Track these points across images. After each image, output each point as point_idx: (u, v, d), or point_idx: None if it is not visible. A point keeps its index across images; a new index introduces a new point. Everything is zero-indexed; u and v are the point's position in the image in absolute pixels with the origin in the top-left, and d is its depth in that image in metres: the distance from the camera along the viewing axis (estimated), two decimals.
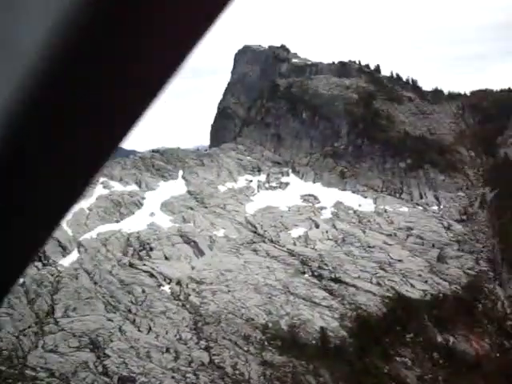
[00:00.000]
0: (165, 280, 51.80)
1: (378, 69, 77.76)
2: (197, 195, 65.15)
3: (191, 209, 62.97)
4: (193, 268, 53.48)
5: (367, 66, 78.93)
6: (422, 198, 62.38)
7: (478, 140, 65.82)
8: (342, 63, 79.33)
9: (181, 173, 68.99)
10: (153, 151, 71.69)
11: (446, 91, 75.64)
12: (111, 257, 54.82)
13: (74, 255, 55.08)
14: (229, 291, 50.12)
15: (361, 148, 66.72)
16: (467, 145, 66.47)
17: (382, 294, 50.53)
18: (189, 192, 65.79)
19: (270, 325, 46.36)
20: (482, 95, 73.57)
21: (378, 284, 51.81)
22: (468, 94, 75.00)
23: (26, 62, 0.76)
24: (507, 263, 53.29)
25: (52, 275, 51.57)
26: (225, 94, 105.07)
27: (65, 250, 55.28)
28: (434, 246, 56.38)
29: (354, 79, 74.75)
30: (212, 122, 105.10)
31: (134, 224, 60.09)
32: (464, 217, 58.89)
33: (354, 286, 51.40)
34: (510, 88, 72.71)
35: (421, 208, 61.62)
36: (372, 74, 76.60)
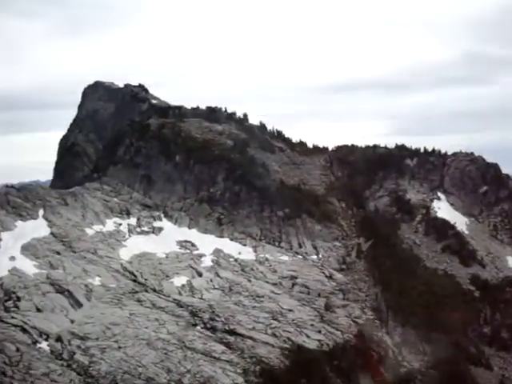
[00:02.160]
0: (41, 336, 44.35)
1: (245, 117, 78.08)
2: (63, 238, 58.00)
3: (58, 253, 55.70)
4: (72, 321, 46.65)
5: (234, 113, 78.87)
6: (301, 247, 62.43)
7: (347, 192, 68.53)
8: (210, 108, 78.20)
9: (41, 212, 61.17)
10: (7, 186, 62.81)
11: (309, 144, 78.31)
12: None
13: None
14: (119, 347, 44.38)
15: (238, 195, 65.28)
16: (338, 196, 68.77)
17: (280, 346, 48.63)
18: (53, 234, 58.35)
19: None
20: (348, 150, 77.45)
21: (274, 335, 49.86)
22: (331, 149, 78.46)
23: None
24: (392, 311, 55.23)
25: None
26: (71, 130, 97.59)
27: None
28: (319, 295, 56.25)
29: (225, 125, 73.81)
30: (56, 159, 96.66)
31: None
32: (343, 266, 60.04)
33: (250, 337, 48.79)
34: (374, 145, 77.65)
35: (301, 257, 61.56)
36: (241, 122, 76.58)
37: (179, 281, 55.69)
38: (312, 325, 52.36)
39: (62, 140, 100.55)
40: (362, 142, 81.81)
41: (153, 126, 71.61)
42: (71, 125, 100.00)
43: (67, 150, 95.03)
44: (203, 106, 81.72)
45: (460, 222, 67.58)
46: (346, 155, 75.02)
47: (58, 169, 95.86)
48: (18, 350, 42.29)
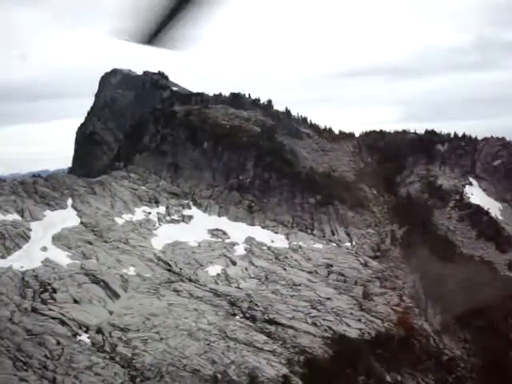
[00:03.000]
0: (80, 328, 43.50)
1: (270, 103, 76.63)
2: (93, 228, 57.07)
3: (90, 243, 54.85)
4: (111, 313, 45.80)
5: (258, 99, 77.42)
6: (334, 234, 61.33)
7: (377, 178, 67.24)
8: (234, 95, 76.81)
9: (70, 201, 60.19)
10: (34, 176, 61.73)
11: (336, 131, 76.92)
12: (7, 301, 44.89)
13: None
14: (161, 339, 43.50)
15: (268, 182, 64.12)
16: (368, 182, 67.54)
17: (321, 335, 47.69)
18: (83, 224, 57.41)
19: (219, 376, 40.91)
20: (377, 136, 76.07)
21: (314, 324, 48.93)
22: (359, 134, 77.08)
23: None
24: (430, 299, 54.23)
25: None
26: (88, 119, 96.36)
27: None
28: (356, 283, 55.26)
29: (251, 112, 72.53)
30: (74, 147, 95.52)
31: (25, 260, 50.45)
32: (378, 253, 58.97)
33: (291, 327, 47.86)
34: (404, 130, 76.25)
35: (334, 244, 60.47)
36: (266, 108, 75.19)
37: (214, 270, 54.74)
38: (351, 313, 51.39)
39: (79, 129, 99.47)
40: (372, 128, 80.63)
41: (179, 113, 70.30)
42: (88, 113, 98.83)
43: (86, 138, 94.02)
44: (225, 93, 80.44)
45: (493, 207, 66.35)
46: (374, 141, 73.67)
47: (77, 157, 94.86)
48: (58, 342, 41.48)
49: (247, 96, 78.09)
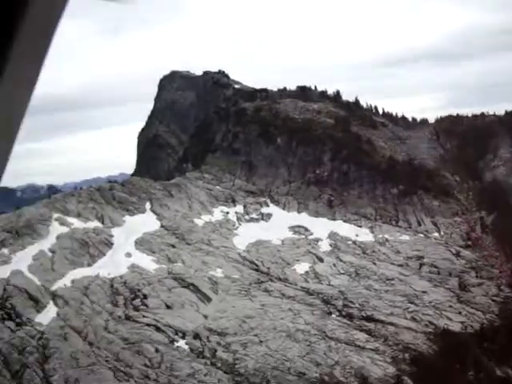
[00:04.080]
0: (177, 334, 42.63)
1: (338, 94, 74.49)
2: (175, 231, 56.24)
3: (173, 246, 54.03)
4: (205, 317, 44.75)
5: (325, 91, 75.41)
6: (420, 224, 58.82)
7: (459, 164, 64.37)
8: (301, 88, 75.02)
9: (148, 205, 59.60)
10: (110, 181, 61.45)
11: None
12: (99, 309, 44.38)
13: (51, 309, 43.88)
14: (261, 341, 42.23)
15: (347, 174, 62.08)
16: (450, 169, 64.72)
17: (423, 330, 45.49)
18: (164, 227, 56.66)
19: (327, 378, 39.29)
20: (454, 120, 73.05)
21: (414, 319, 46.73)
22: (435, 120, 74.24)
23: None
24: None
25: (33, 338, 40.21)
26: (150, 123, 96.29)
27: (37, 304, 43.98)
28: (450, 274, 52.68)
29: (321, 104, 70.60)
30: (138, 151, 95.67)
31: (111, 267, 49.90)
32: (469, 242, 56.19)
33: (390, 323, 45.82)
34: (483, 113, 72.99)
35: (422, 235, 57.98)
36: (335, 100, 73.11)
37: (301, 268, 53.11)
38: (450, 306, 48.93)
39: (141, 133, 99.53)
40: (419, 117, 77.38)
41: (249, 110, 68.95)
42: (149, 117, 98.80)
43: (149, 142, 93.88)
44: (288, 86, 78.71)
45: None
46: (452, 126, 70.61)
47: (141, 161, 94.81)
48: (157, 350, 40.70)
49: (313, 88, 76.06)
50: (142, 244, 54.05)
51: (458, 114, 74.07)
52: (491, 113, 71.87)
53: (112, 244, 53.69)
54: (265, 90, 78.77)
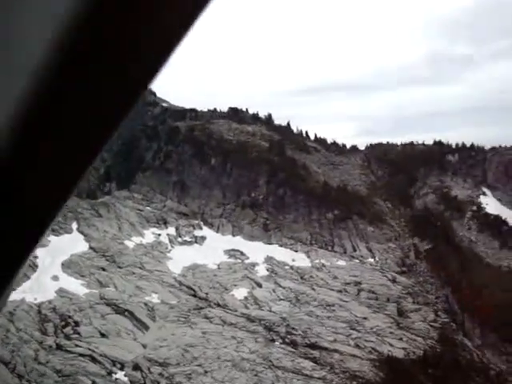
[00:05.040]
0: (114, 365, 39.29)
1: (270, 118, 73.85)
2: (104, 253, 52.69)
3: (103, 269, 50.51)
4: (144, 346, 41.68)
5: (257, 114, 74.56)
6: (355, 250, 58.58)
7: (391, 191, 65.20)
8: (233, 110, 73.66)
9: (75, 225, 55.65)
10: None
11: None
12: (27, 337, 40.25)
13: None
14: (206, 372, 39.76)
15: (283, 198, 61.00)
16: (382, 196, 65.37)
17: (367, 357, 44.77)
18: (93, 249, 52.97)
19: None
20: (384, 148, 74.19)
21: (357, 346, 45.96)
22: (366, 147, 75.10)
23: (28, 62, 0.76)
24: (466, 313, 52.06)
25: None
26: None
27: None
28: (388, 300, 52.54)
29: (255, 126, 69.55)
30: None
31: (37, 291, 45.75)
32: (404, 268, 56.53)
33: (335, 350, 44.75)
34: (412, 142, 74.64)
35: (357, 261, 57.76)
36: (268, 123, 72.34)
37: (240, 293, 51.13)
38: (391, 332, 48.68)
39: None
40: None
41: (182, 129, 66.60)
42: None
43: None
44: (221, 108, 77.27)
45: (510, 216, 65.27)
46: (383, 153, 71.73)
47: None
48: (94, 383, 37.24)
49: (245, 110, 75.06)
50: (70, 267, 50.17)
51: (388, 142, 75.73)
52: (420, 142, 74.05)
53: (36, 266, 49.38)
54: (194, 110, 76.77)
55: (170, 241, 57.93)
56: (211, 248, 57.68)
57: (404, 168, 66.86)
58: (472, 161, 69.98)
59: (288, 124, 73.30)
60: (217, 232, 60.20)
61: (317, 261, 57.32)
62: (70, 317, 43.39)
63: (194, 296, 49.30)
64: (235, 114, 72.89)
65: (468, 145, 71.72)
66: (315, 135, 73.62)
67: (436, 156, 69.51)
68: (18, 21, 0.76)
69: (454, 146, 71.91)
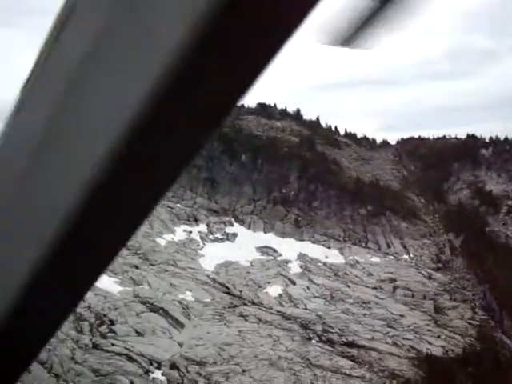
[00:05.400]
0: (151, 364, 38.98)
1: (298, 113, 73.12)
2: (137, 250, 52.41)
3: (136, 267, 50.23)
4: (180, 344, 41.32)
5: (285, 109, 73.85)
6: (389, 246, 57.71)
7: (424, 186, 64.17)
8: (262, 105, 73.01)
9: None
10: None
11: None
12: (63, 336, 39.93)
13: None
14: (243, 371, 39.28)
15: (314, 194, 60.33)
16: (415, 191, 64.38)
17: (406, 356, 43.99)
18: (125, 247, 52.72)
19: None
20: (417, 143, 73.10)
21: (395, 344, 45.17)
22: (397, 141, 74.12)
23: (166, 60, 0.78)
24: (504, 310, 50.96)
25: None
26: None
27: None
28: (425, 297, 51.72)
29: (284, 122, 68.91)
30: None
31: None
32: (439, 264, 55.57)
33: (373, 349, 44.03)
34: (444, 136, 73.45)
35: (392, 257, 56.91)
36: (297, 118, 71.60)
37: (274, 290, 50.59)
38: (429, 330, 47.82)
39: None
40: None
41: None
42: None
43: None
44: (249, 104, 76.55)
45: None
46: (415, 148, 70.69)
47: None
48: (132, 382, 36.98)
49: (273, 106, 74.32)
50: None
51: (419, 136, 74.53)
52: (453, 136, 72.71)
53: None
54: None
55: (202, 238, 57.57)
56: (243, 245, 57.21)
57: (437, 163, 65.68)
58: (507, 155, 68.49)
59: (317, 119, 72.59)
60: (248, 229, 59.68)
61: (350, 257, 56.55)
62: (105, 315, 43.20)
63: (228, 294, 48.87)
64: (264, 109, 72.21)
65: (501, 138, 70.30)
66: (345, 130, 72.86)
67: (469, 150, 68.17)
68: (159, 20, 0.78)
69: (487, 140, 70.53)
